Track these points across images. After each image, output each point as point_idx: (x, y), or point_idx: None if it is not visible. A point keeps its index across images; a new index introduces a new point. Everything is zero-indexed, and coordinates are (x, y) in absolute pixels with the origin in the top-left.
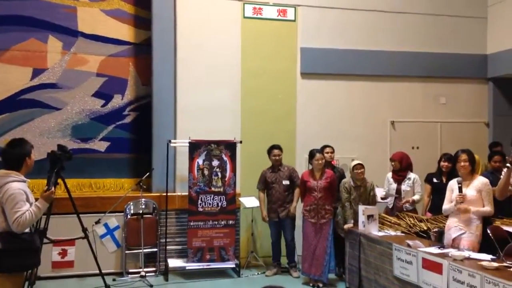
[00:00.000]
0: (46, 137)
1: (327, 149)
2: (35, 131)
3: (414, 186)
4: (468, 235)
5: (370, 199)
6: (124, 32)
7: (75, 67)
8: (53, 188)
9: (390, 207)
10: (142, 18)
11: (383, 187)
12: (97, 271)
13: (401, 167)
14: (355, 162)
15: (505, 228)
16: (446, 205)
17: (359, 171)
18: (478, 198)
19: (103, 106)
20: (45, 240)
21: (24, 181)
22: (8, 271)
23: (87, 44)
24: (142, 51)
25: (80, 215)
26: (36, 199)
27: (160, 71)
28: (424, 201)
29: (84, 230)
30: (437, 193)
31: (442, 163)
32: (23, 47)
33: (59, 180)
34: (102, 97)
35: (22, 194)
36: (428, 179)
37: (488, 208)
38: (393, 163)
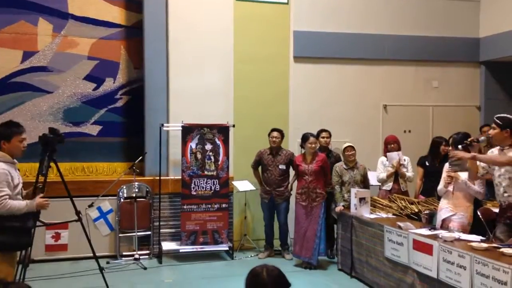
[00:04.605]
0: (37, 121)
1: (323, 134)
2: (26, 114)
3: (407, 166)
4: (458, 216)
5: (362, 182)
6: (115, 14)
7: (66, 50)
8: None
9: (388, 189)
10: (134, 0)
11: (376, 171)
12: (91, 254)
13: (398, 149)
14: (346, 144)
15: (495, 210)
16: (440, 186)
17: (350, 153)
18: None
19: (94, 89)
20: (38, 223)
21: (13, 163)
22: (0, 249)
23: (78, 26)
24: (134, 34)
25: (73, 198)
26: (38, 187)
27: (152, 54)
28: (416, 185)
29: (78, 213)
30: (429, 176)
31: (442, 148)
32: (13, 29)
33: (51, 164)
34: (93, 81)
35: (7, 175)
36: (420, 163)
37: (477, 188)
38: (390, 145)
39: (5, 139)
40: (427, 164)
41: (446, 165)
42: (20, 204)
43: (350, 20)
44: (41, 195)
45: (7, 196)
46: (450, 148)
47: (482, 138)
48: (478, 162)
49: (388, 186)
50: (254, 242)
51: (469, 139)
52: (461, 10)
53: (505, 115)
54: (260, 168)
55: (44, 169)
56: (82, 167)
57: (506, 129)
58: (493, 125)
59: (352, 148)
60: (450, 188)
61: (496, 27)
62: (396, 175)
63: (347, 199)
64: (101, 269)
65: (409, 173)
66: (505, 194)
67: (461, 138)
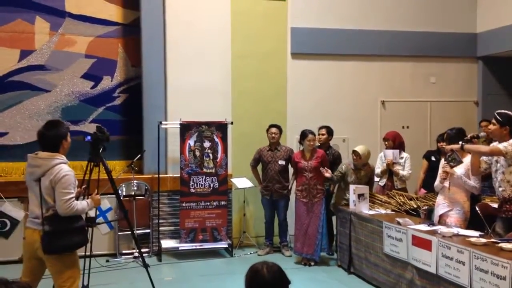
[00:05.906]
0: (35, 120)
1: (320, 131)
2: (24, 113)
3: (405, 164)
4: (455, 211)
5: (367, 183)
6: (112, 12)
7: (63, 48)
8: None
9: (381, 185)
10: None
11: (376, 166)
12: (88, 253)
13: (394, 146)
14: (355, 148)
15: (493, 205)
16: (436, 182)
17: (354, 157)
18: (466, 176)
19: (92, 88)
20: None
21: (68, 163)
22: (60, 251)
23: (75, 24)
24: (131, 32)
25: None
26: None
27: (149, 52)
28: (419, 177)
29: (125, 210)
30: (433, 171)
31: (439, 145)
32: (10, 28)
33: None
34: (91, 79)
35: (73, 177)
36: (426, 156)
37: (472, 183)
38: (386, 142)
39: (64, 138)
40: (432, 159)
41: (442, 160)
42: (83, 204)
43: (348, 16)
44: (97, 194)
45: (74, 198)
46: (445, 144)
47: (482, 133)
48: (480, 158)
49: (382, 181)
50: (253, 239)
51: (469, 135)
52: (458, 5)
53: (506, 111)
54: (260, 166)
55: (101, 161)
56: (80, 166)
57: (505, 126)
58: (493, 120)
59: (357, 153)
60: (446, 183)
61: (493, 22)
62: (391, 171)
63: (348, 198)
64: (145, 264)
65: (404, 172)
66: (500, 189)
67: (455, 133)
